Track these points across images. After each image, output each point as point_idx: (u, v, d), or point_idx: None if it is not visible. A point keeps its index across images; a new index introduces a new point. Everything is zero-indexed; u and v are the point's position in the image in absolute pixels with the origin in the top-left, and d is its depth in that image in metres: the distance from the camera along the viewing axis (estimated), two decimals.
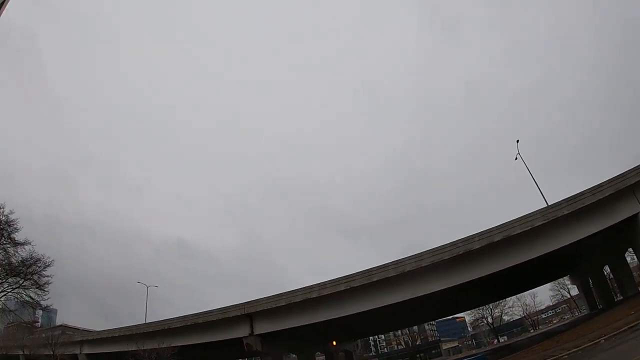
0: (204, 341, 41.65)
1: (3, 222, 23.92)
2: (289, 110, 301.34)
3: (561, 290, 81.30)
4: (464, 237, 29.63)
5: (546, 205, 31.60)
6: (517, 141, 40.06)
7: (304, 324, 34.55)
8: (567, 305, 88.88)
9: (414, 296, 30.44)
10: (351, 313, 32.41)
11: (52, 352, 57.95)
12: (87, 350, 58.33)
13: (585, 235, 29.41)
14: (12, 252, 25.08)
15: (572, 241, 29.35)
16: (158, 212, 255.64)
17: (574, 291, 75.99)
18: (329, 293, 32.31)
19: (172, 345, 38.61)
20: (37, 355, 65.52)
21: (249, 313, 37.05)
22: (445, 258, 29.13)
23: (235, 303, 38.81)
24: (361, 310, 32.04)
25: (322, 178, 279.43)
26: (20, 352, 72.15)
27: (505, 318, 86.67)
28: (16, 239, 24.98)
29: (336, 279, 32.53)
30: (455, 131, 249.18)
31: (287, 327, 35.62)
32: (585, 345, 19.25)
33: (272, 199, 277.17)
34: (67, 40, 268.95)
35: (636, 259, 39.95)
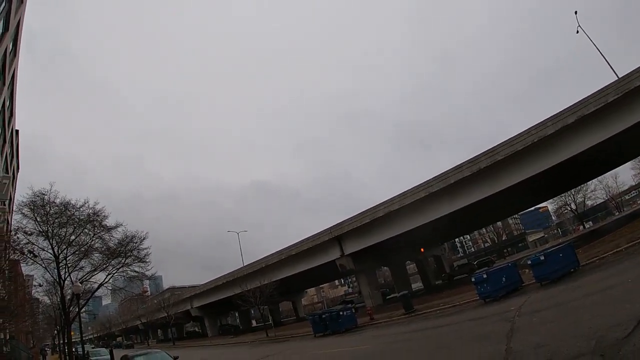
0: (300, 270, 44.91)
1: (92, 214, 26.14)
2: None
3: None
4: (535, 124, 28.55)
5: (617, 78, 29.31)
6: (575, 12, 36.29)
7: (390, 236, 35.89)
8: None
9: (492, 192, 30.40)
10: (433, 219, 33.10)
11: (166, 314, 65.37)
12: (196, 303, 65.41)
13: None
14: (108, 237, 27.33)
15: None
16: (232, 163, 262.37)
17: None
18: (409, 202, 33.09)
19: (273, 280, 42.03)
20: (154, 320, 74.13)
21: (337, 236, 39.20)
22: (519, 149, 28.44)
23: (323, 229, 41.23)
24: (442, 214, 32.57)
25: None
26: (138, 322, 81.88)
27: (589, 203, 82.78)
28: (108, 225, 27.18)
29: (414, 187, 33.11)
30: None
31: (374, 243, 37.29)
32: None
33: (342, 127, 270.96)
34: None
35: None
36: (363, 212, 37.10)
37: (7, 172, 29.29)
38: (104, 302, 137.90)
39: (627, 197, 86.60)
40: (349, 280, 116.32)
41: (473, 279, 20.30)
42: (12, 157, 33.88)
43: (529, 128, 28.00)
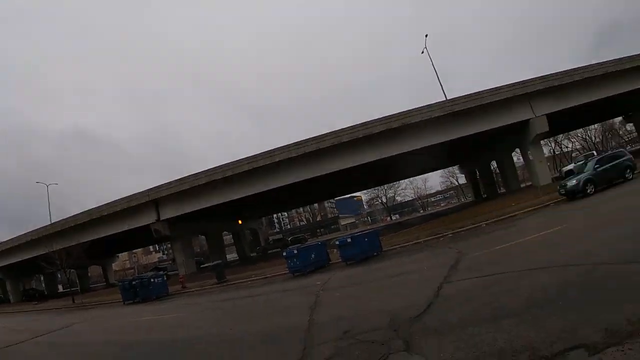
0: (112, 233, 41.17)
1: None
2: None
3: (450, 177, 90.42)
4: (364, 121, 31.69)
5: (445, 99, 34.13)
6: (426, 35, 40.62)
7: (209, 205, 35.32)
8: (455, 192, 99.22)
9: (314, 175, 32.28)
10: (254, 192, 33.66)
11: None
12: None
13: (481, 130, 32.52)
14: None
15: (468, 134, 32.54)
16: (54, 101, 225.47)
17: (462, 180, 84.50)
18: (231, 174, 32.98)
19: (81, 241, 37.97)
20: None
21: (154, 199, 36.97)
22: (345, 140, 31.09)
23: (142, 190, 38.54)
24: (264, 189, 33.42)
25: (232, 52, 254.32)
26: None
27: (398, 199, 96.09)
28: None
29: (239, 160, 33.09)
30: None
31: (192, 210, 36.27)
32: (468, 227, 21.16)
33: (181, 82, 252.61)
34: None
35: (521, 160, 45.35)
36: (184, 177, 35.64)
37: None
38: None
39: (432, 199, 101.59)
40: (164, 246, 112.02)
41: (284, 254, 20.97)
42: None
43: (357, 124, 31.24)
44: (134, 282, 24.87)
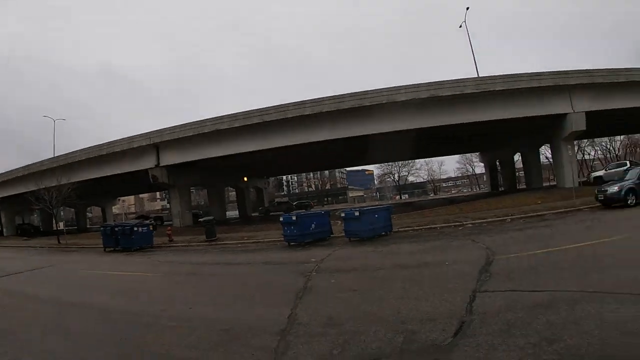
0: (107, 174, 39.44)
1: None
2: None
3: (467, 164, 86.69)
4: (391, 86, 28.75)
5: (477, 76, 31.20)
6: (467, 8, 37.50)
7: (212, 156, 33.14)
8: (469, 181, 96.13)
9: (329, 138, 29.76)
10: (262, 148, 31.38)
11: None
12: None
13: (514, 116, 29.49)
14: None
15: (500, 117, 29.40)
16: (85, 39, 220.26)
17: (478, 170, 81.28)
18: (240, 125, 30.63)
19: (74, 180, 36.19)
20: None
21: (155, 143, 34.87)
22: (366, 105, 28.24)
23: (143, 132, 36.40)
24: (273, 146, 31.03)
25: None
26: None
27: (411, 178, 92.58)
28: None
29: (249, 110, 30.64)
30: None
31: (194, 159, 34.28)
32: (491, 219, 19.01)
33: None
34: None
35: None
36: (188, 123, 33.41)
37: None
38: None
39: (444, 185, 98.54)
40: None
41: (281, 219, 18.71)
42: None
43: (382, 89, 28.61)
44: (116, 229, 23.18)
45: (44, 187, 33.89)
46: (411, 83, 28.39)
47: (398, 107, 28.20)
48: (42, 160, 44.73)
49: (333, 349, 4.93)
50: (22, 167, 47.53)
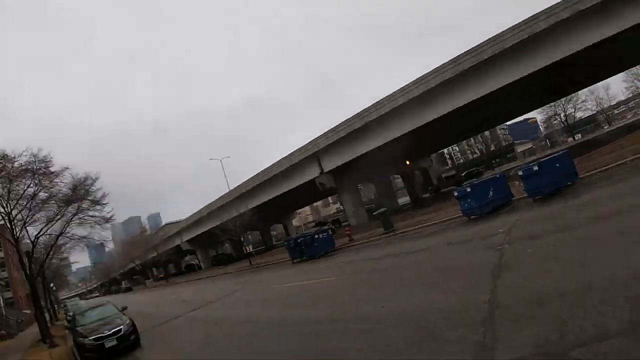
0: (279, 193, 42.60)
1: (36, 161, 21.25)
2: None
3: (636, 81, 71.13)
4: (525, 18, 24.33)
5: None
6: None
7: (369, 149, 33.24)
8: None
9: (476, 97, 27.20)
10: (414, 127, 30.25)
11: (156, 252, 63.78)
12: (186, 237, 63.68)
13: None
14: (56, 183, 22.87)
15: None
16: (220, 81, 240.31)
17: None
18: (387, 111, 30.13)
19: (251, 207, 39.72)
20: (148, 259, 72.42)
21: (314, 152, 36.59)
22: (507, 46, 24.70)
23: (298, 147, 38.55)
24: (422, 122, 29.73)
25: None
26: (133, 264, 79.84)
27: (578, 114, 79.57)
28: (52, 171, 22.41)
29: (391, 93, 29.94)
30: None
31: (353, 157, 34.79)
32: None
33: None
34: None
35: None
36: (337, 125, 34.23)
37: None
38: (107, 249, 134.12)
39: (615, 112, 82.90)
40: None
41: (455, 193, 17.50)
42: None
43: (519, 23, 24.22)
44: (299, 241, 24.65)
45: (224, 220, 37.94)
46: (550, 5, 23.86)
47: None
48: (220, 196, 50.10)
49: (549, 335, 4.14)
50: (206, 206, 53.82)
